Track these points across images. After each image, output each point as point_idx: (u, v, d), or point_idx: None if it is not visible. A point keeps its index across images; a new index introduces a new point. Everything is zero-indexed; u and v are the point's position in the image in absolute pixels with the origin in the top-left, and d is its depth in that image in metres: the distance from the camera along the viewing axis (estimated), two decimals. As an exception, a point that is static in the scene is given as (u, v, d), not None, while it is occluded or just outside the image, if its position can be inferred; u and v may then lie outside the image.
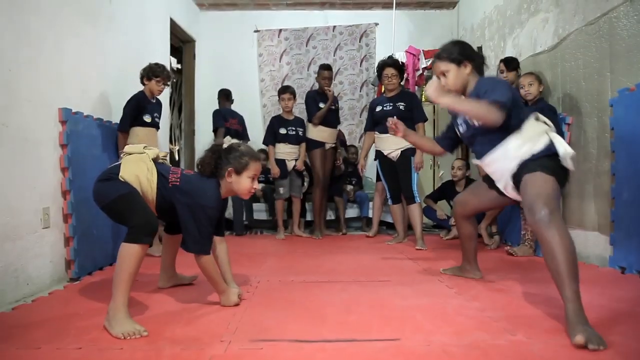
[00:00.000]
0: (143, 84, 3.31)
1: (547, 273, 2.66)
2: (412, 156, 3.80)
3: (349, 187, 5.13)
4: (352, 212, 5.15)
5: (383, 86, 4.02)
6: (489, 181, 2.28)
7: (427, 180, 5.38)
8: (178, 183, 2.01)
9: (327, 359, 1.45)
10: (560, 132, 3.15)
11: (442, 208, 4.46)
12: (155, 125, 3.38)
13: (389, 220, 4.79)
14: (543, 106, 3.21)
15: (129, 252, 1.76)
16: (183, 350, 1.52)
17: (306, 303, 2.09)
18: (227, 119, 4.67)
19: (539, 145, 1.94)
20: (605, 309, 1.91)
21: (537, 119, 2.05)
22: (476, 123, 2.09)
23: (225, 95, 4.93)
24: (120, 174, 1.93)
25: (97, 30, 3.15)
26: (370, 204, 5.08)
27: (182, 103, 5.71)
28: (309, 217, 5.11)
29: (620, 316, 1.82)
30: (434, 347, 1.53)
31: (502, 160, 2.04)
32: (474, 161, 2.28)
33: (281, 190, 4.46)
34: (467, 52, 2.18)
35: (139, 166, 1.98)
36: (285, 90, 4.50)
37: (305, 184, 4.89)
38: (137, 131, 3.26)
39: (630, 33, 2.64)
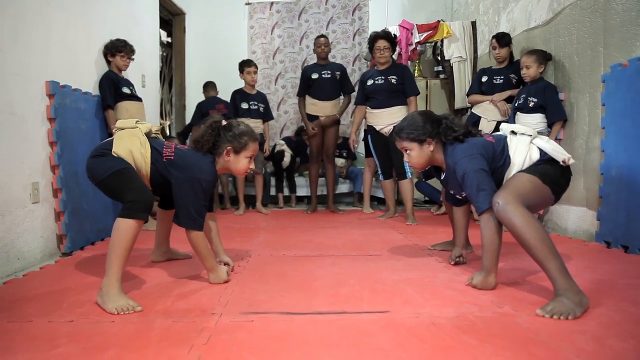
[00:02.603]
0: (108, 61, 3.29)
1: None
2: (405, 132, 3.78)
3: (341, 161, 5.11)
4: (343, 187, 5.16)
5: (375, 59, 3.97)
6: None
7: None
8: (172, 157, 1.98)
9: (317, 330, 1.47)
10: (561, 109, 3.17)
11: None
12: (137, 97, 3.39)
13: (380, 195, 4.81)
14: (544, 85, 3.20)
15: (124, 227, 1.73)
16: (174, 323, 1.53)
17: (297, 276, 2.11)
18: (212, 108, 4.75)
19: (534, 157, 1.94)
20: (590, 283, 1.95)
21: (515, 133, 2.01)
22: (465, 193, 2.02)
23: (210, 86, 5.11)
24: (113, 150, 1.91)
25: (85, 2, 3.07)
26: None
27: (173, 77, 5.63)
28: (299, 193, 5.13)
29: (604, 289, 1.86)
30: (422, 319, 1.56)
31: None
32: None
33: None
34: (428, 129, 2.07)
35: (132, 141, 1.95)
36: (250, 64, 4.40)
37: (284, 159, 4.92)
38: (126, 105, 3.25)
39: (625, 7, 2.62)
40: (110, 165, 1.87)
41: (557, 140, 3.21)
